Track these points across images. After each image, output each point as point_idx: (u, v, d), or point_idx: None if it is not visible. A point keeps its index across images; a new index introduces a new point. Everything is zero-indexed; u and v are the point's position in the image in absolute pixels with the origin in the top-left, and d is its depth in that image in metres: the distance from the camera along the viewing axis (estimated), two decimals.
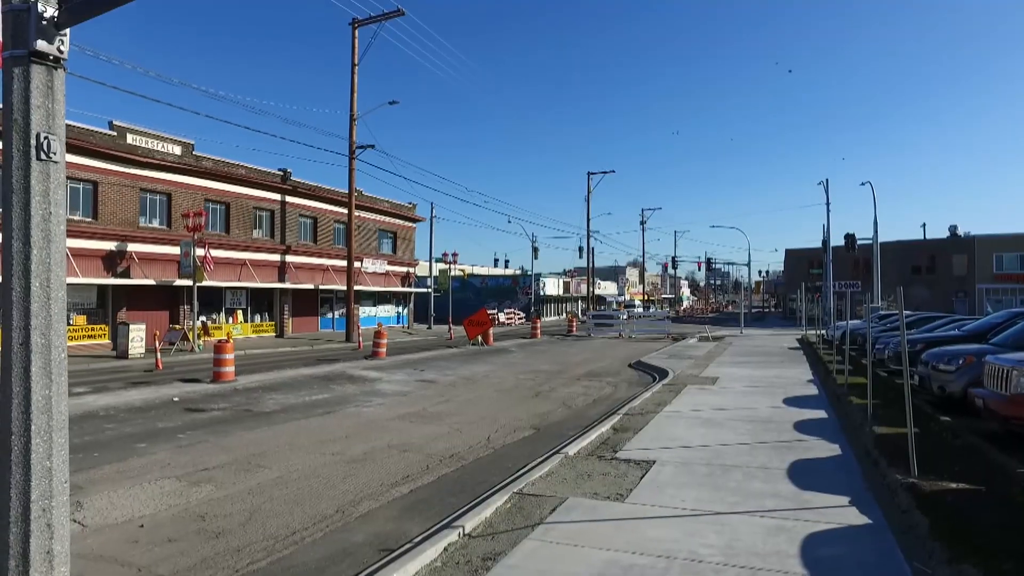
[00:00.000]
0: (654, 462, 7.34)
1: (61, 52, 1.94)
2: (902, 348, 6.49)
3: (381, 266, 40.38)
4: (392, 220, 42.56)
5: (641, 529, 5.21)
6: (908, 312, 24.65)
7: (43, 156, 1.83)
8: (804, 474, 6.77)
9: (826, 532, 5.07)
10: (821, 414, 10.35)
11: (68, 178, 23.40)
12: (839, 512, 5.54)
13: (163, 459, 8.04)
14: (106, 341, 24.36)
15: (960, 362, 9.53)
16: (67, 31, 1.97)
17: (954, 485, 5.63)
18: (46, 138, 1.84)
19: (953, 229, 62.87)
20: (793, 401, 11.67)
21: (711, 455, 7.68)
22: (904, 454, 6.21)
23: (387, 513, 6.17)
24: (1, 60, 1.84)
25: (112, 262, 24.82)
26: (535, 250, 58.76)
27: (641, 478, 6.72)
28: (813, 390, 13.20)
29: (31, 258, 1.78)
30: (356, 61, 31.16)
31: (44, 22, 1.91)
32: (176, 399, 12.44)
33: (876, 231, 37.37)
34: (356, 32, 31.07)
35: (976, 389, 8.17)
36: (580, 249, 62.00)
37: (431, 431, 9.93)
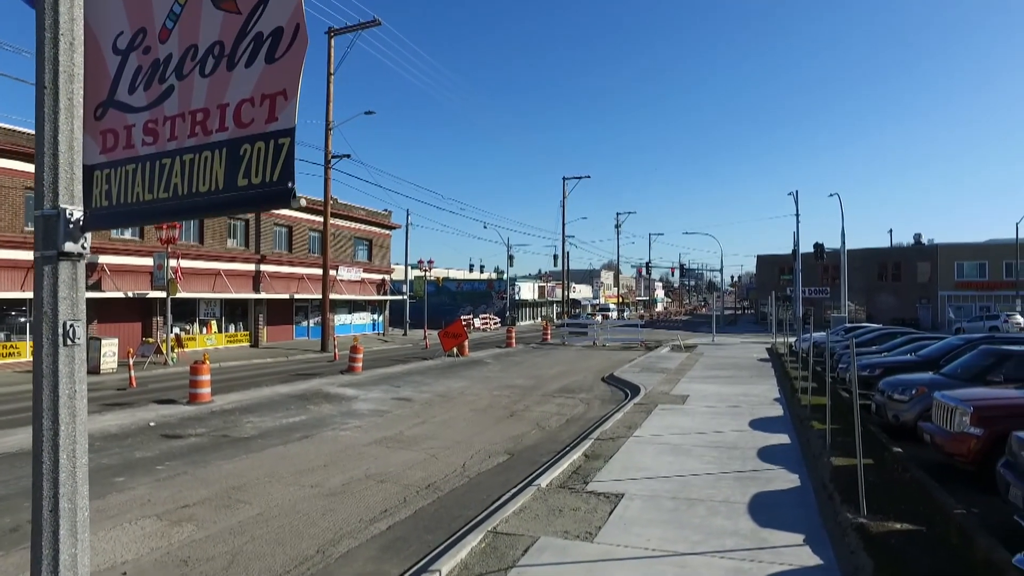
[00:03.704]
0: (623, 495, 7.65)
1: (84, 248, 2.17)
2: (853, 390, 6.89)
3: (356, 274, 40.35)
4: (368, 228, 42.55)
5: (608, 572, 5.50)
6: (872, 327, 25.45)
7: (69, 342, 2.06)
8: (764, 509, 7.13)
9: (780, 574, 5.42)
10: (784, 439, 10.78)
11: (34, 190, 23.12)
12: (794, 552, 5.90)
13: (143, 495, 8.15)
14: None
15: (913, 392, 10.02)
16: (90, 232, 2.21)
17: (899, 525, 6.03)
18: (71, 326, 2.07)
19: (917, 237, 64.76)
20: (759, 424, 12.10)
21: (677, 487, 8.03)
22: (857, 489, 6.62)
23: (366, 552, 6.38)
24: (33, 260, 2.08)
25: None
26: (510, 258, 59.11)
27: (610, 514, 7.02)
28: (779, 410, 13.67)
29: (59, 434, 2.01)
30: (332, 70, 31.16)
31: (71, 225, 2.13)
32: (152, 424, 12.47)
33: (843, 243, 38.38)
34: (332, 41, 31.10)
35: (924, 423, 8.64)
36: (555, 257, 62.55)
37: (408, 458, 10.14)
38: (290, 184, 1.99)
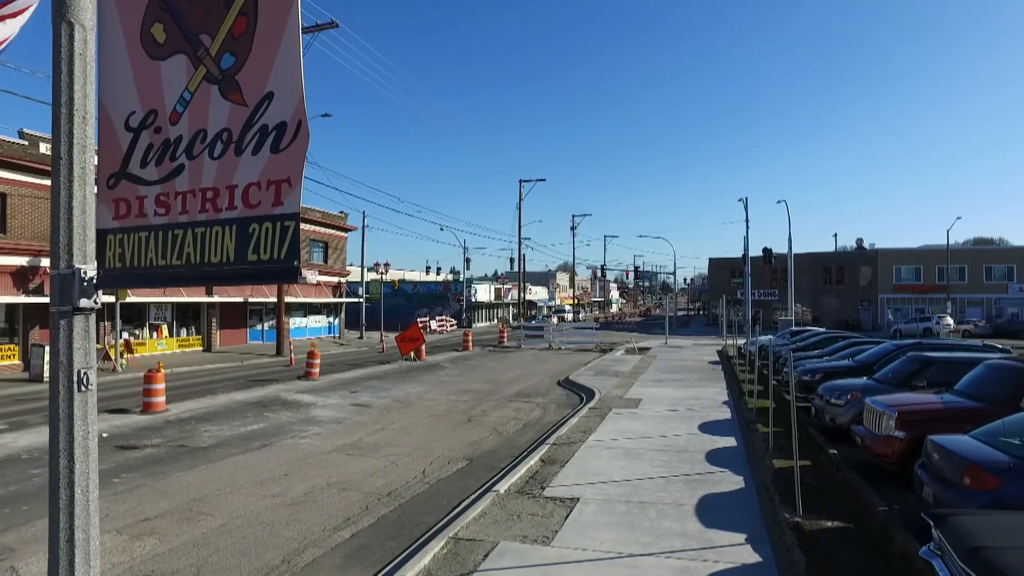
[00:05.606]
0: (578, 500, 8.01)
1: (96, 304, 2.37)
2: (791, 396, 7.39)
3: (312, 276, 39.85)
4: (323, 230, 42.15)
5: (565, 575, 5.83)
6: (816, 330, 26.60)
7: (83, 388, 2.26)
8: (710, 511, 7.59)
9: (723, 572, 5.84)
10: (731, 442, 11.33)
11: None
12: (736, 551, 6.34)
13: (100, 509, 8.09)
14: (16, 362, 23.27)
15: (848, 397, 10.71)
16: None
17: (830, 523, 6.55)
18: (85, 373, 2.27)
19: (859, 242, 67.63)
20: (708, 427, 12.66)
21: (630, 491, 8.43)
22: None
23: (331, 561, 6.55)
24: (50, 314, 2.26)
25: (23, 278, 23.72)
26: (467, 260, 59.32)
27: (566, 518, 7.35)
28: (727, 413, 14.29)
29: (75, 472, 2.21)
30: None
31: (85, 283, 2.33)
32: (105, 435, 12.27)
33: (791, 248, 39.86)
34: None
35: (856, 427, 9.29)
36: (512, 259, 63.01)
37: (368, 465, 10.29)
38: (296, 263, 2.24)
